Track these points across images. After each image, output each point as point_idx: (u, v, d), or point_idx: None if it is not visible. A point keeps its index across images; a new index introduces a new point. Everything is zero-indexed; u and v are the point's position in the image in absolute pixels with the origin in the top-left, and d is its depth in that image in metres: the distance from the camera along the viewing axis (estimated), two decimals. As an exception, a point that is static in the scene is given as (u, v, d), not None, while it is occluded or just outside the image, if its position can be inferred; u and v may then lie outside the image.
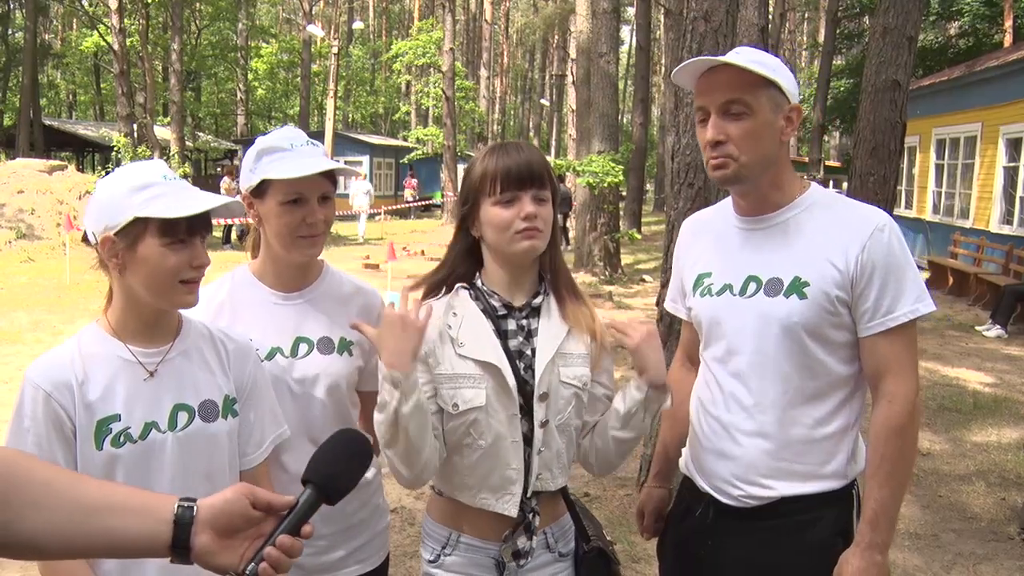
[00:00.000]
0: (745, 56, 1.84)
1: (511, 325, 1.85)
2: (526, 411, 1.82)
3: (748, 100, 1.80)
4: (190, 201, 1.62)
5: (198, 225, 1.64)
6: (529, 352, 1.83)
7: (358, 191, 23.52)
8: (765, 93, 1.81)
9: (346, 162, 27.16)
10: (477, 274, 1.90)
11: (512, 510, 1.82)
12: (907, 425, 1.80)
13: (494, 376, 1.79)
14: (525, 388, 1.81)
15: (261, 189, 1.89)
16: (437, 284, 1.91)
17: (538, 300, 1.87)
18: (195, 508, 1.12)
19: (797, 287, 1.83)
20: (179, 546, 1.11)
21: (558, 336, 1.85)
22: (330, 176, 1.92)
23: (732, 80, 1.80)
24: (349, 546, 2.03)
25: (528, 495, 1.84)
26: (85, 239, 1.70)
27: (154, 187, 1.62)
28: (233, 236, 18.56)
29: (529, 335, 1.85)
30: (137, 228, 1.61)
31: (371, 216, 26.60)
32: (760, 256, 1.90)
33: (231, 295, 1.99)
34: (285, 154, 1.87)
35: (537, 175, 1.81)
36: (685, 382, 2.15)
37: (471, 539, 1.87)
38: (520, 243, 1.80)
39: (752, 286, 1.89)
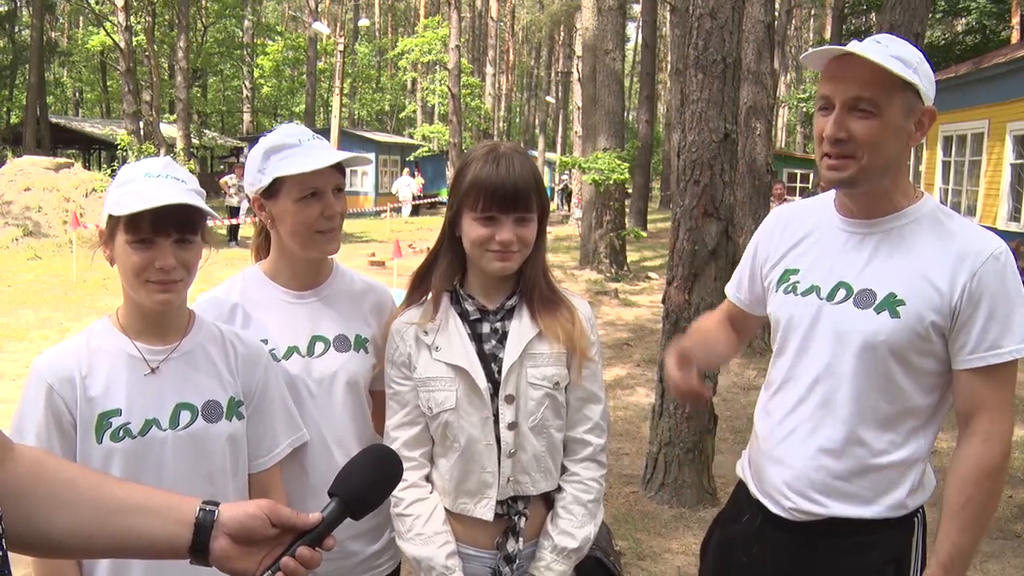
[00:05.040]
0: (886, 48, 1.63)
1: (485, 328, 1.83)
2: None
3: (880, 100, 1.62)
4: (150, 196, 1.57)
5: (164, 225, 1.58)
6: (502, 355, 1.81)
7: (402, 184, 27.98)
8: (900, 96, 1.63)
9: (352, 159, 27.25)
10: (457, 276, 1.88)
11: (488, 514, 1.80)
12: (1000, 467, 1.69)
13: (464, 379, 1.79)
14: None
15: (273, 189, 1.85)
16: (419, 288, 1.90)
17: (512, 302, 1.84)
18: (216, 512, 1.12)
19: (890, 304, 1.69)
20: (198, 549, 1.11)
21: (526, 337, 1.81)
22: (339, 168, 1.89)
23: (865, 75, 1.61)
24: (361, 554, 2.00)
25: (506, 499, 1.81)
26: None
27: (131, 184, 1.62)
28: (241, 233, 18.62)
29: (503, 338, 1.82)
30: (112, 223, 1.62)
31: (378, 214, 26.74)
32: (856, 263, 1.76)
33: (243, 295, 1.96)
34: (295, 150, 1.83)
35: (523, 197, 1.75)
36: (713, 319, 2.12)
37: (465, 547, 1.84)
38: (492, 263, 1.78)
39: (841, 292, 1.76)
